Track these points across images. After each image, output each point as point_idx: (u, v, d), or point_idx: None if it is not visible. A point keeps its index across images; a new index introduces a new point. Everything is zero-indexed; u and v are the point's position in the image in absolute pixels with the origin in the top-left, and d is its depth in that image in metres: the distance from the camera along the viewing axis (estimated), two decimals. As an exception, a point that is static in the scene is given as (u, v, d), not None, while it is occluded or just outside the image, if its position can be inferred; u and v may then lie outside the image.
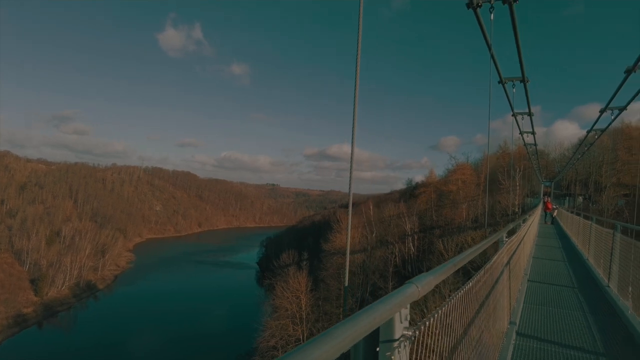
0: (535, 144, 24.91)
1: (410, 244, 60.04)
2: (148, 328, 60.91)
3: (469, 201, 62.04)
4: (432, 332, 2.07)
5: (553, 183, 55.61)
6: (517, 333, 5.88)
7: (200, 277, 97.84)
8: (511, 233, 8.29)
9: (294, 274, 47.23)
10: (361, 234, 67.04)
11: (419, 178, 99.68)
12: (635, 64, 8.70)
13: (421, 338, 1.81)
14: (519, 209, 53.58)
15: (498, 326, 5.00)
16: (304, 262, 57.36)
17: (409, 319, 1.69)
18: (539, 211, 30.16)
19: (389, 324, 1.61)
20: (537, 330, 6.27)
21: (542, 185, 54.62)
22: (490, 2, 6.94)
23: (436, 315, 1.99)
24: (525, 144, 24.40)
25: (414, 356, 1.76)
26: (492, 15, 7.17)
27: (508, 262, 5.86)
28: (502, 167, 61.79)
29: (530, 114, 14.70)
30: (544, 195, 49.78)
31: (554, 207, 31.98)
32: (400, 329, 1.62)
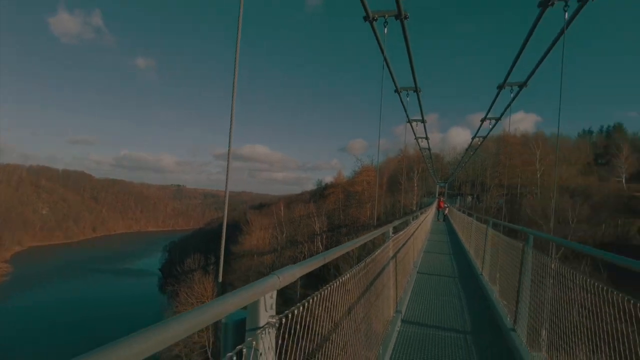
0: (429, 148, 27.34)
1: (319, 242, 61.68)
2: (25, 345, 53.87)
3: (373, 201, 65.62)
4: (305, 320, 2.25)
5: (447, 184, 60.83)
6: (402, 320, 6.45)
7: (94, 287, 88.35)
8: (404, 228, 9.06)
9: (199, 279, 45.64)
10: (271, 234, 67.13)
11: (328, 179, 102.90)
12: (504, 81, 10.17)
13: (289, 325, 1.98)
14: (416, 207, 58.06)
15: (384, 315, 5.45)
16: (211, 267, 55.66)
17: (274, 307, 1.84)
18: (432, 209, 33.03)
19: (254, 312, 1.75)
20: (421, 317, 6.94)
21: (438, 185, 59.47)
22: (384, 17, 7.51)
23: (306, 304, 2.17)
24: (420, 148, 26.68)
25: (279, 342, 1.91)
26: (386, 29, 7.75)
27: (394, 256, 6.39)
28: (402, 169, 66.47)
29: (423, 121, 16.17)
30: (439, 195, 54.19)
31: (446, 205, 35.26)
32: (265, 316, 1.77)
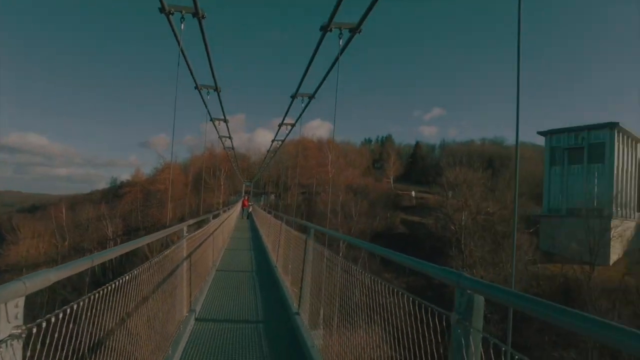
0: (232, 148, 27.82)
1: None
2: None
3: (177, 200, 62.76)
4: (73, 326, 2.09)
5: (253, 183, 62.77)
6: (197, 319, 6.46)
7: None
8: (204, 226, 9.06)
9: None
10: (49, 242, 56.64)
11: (125, 177, 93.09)
12: (296, 92, 11.29)
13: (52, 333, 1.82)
14: (222, 206, 58.25)
15: (175, 316, 5.37)
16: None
17: (21, 316, 1.66)
18: (238, 208, 33.76)
19: None
20: (217, 313, 7.08)
21: (244, 184, 60.87)
22: (181, 12, 7.33)
23: (69, 310, 2.02)
24: (225, 148, 26.95)
25: (29, 353, 1.74)
26: (182, 25, 7.59)
27: (189, 255, 6.36)
28: (209, 168, 65.67)
29: (225, 121, 16.41)
30: (245, 193, 55.55)
31: (250, 204, 36.53)
32: (7, 328, 1.58)
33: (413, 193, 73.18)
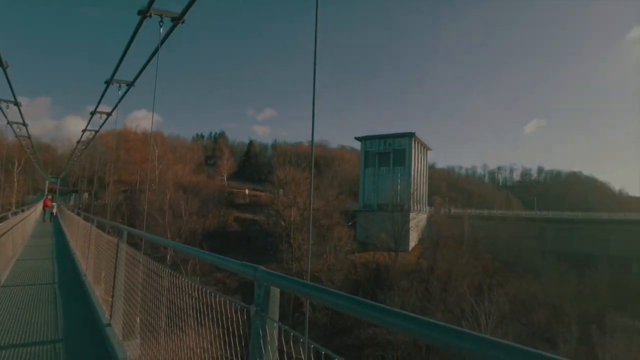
0: (29, 137, 23.13)
1: None
2: None
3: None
4: None
5: (60, 179, 53.92)
6: None
7: None
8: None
9: None
10: None
11: None
12: (112, 78, 10.04)
13: None
14: (16, 207, 48.31)
15: None
16: None
17: None
18: (38, 208, 28.52)
19: None
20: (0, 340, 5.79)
21: (47, 181, 51.87)
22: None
23: None
24: (18, 136, 22.20)
25: None
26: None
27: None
28: (-3, 160, 53.61)
29: (16, 103, 13.48)
30: (48, 192, 47.48)
31: (53, 204, 31.23)
32: None
33: (247, 191, 73.87)
